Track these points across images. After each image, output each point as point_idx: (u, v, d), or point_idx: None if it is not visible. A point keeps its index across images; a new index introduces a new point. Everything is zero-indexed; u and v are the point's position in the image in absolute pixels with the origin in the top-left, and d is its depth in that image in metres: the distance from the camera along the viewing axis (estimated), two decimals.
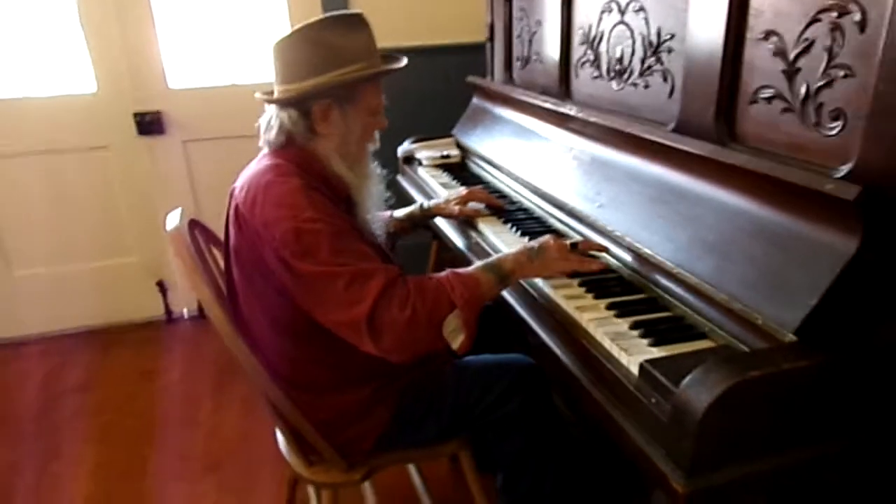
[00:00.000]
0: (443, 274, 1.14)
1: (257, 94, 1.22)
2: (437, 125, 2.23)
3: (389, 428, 1.28)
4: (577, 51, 1.59)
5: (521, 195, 1.63)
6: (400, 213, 1.59)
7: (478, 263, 1.18)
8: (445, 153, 2.03)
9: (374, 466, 1.31)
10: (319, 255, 1.07)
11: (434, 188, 1.84)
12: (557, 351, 1.07)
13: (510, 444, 1.31)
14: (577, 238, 1.20)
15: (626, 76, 1.40)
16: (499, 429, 1.34)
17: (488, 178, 1.85)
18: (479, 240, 1.47)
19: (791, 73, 0.97)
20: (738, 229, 0.97)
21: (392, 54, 1.32)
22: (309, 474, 1.29)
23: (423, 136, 2.15)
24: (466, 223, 1.57)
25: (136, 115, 2.51)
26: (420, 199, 1.86)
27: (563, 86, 1.65)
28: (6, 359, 2.63)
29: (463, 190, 1.62)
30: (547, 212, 1.48)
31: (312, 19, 1.16)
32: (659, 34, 1.27)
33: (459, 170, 1.97)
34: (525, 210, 1.57)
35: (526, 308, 1.20)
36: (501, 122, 1.86)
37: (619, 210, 1.23)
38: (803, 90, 0.95)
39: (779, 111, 1.01)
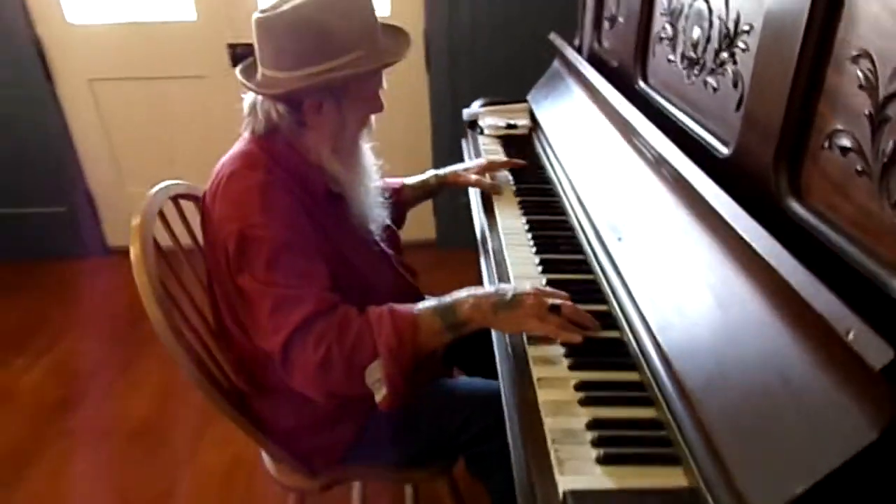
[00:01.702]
0: (379, 309, 0.98)
1: (238, 74, 1.08)
2: (527, 82, 1.95)
3: (354, 444, 1.18)
4: (658, 22, 1.25)
5: (567, 198, 1.36)
6: (412, 180, 1.47)
7: (431, 300, 1.00)
8: (512, 122, 1.78)
9: (337, 478, 1.23)
10: (255, 268, 0.97)
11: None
12: (507, 418, 0.88)
13: (494, 482, 1.17)
14: (561, 301, 0.96)
15: (697, 68, 1.07)
16: (480, 465, 1.20)
17: (546, 163, 1.59)
18: (491, 244, 1.26)
19: (877, 120, 0.65)
20: (747, 332, 0.69)
21: (394, 27, 1.11)
22: (275, 472, 1.25)
23: (495, 99, 1.90)
24: (489, 212, 1.39)
25: (229, 46, 2.50)
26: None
27: (637, 62, 1.33)
28: (118, 264, 2.89)
29: (483, 159, 1.51)
30: (581, 226, 1.22)
31: None
32: (737, 22, 0.93)
33: (522, 145, 1.71)
34: (564, 220, 1.31)
35: (499, 344, 1.01)
36: (569, 97, 1.57)
37: (637, 253, 0.97)
38: (888, 149, 0.63)
39: (853, 170, 0.69)
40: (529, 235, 1.25)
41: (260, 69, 1.06)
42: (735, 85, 0.94)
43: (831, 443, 0.55)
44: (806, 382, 0.60)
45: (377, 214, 1.18)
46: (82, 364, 2.26)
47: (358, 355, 0.94)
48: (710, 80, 1.02)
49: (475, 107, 1.90)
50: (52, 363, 2.27)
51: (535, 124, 1.77)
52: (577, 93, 1.52)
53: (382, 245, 1.24)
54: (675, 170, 0.92)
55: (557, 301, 0.95)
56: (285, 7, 0.98)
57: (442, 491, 1.26)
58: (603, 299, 1.04)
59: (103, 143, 2.75)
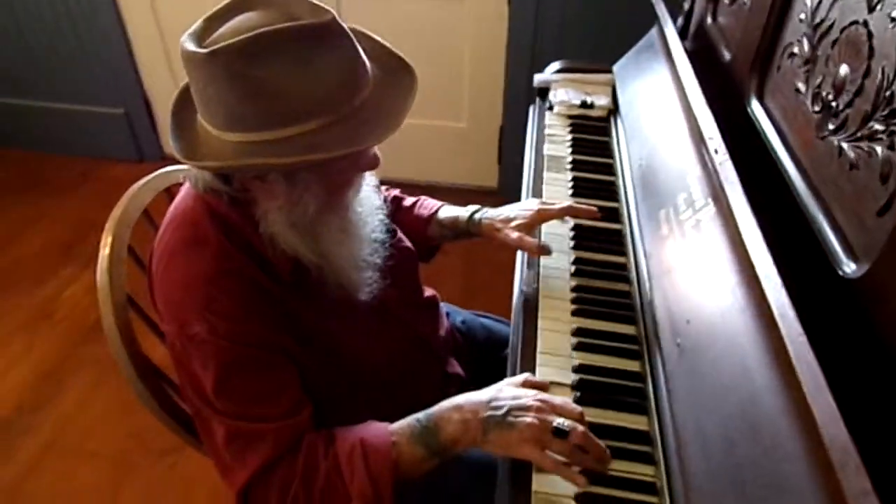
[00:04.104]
0: (350, 443, 0.80)
1: (172, 108, 0.81)
2: (625, 43, 1.60)
3: None
4: (792, 30, 0.92)
5: (632, 243, 1.09)
6: (446, 213, 1.15)
7: (410, 419, 0.81)
8: (588, 100, 1.48)
9: None
10: (203, 385, 0.79)
11: (546, 155, 1.35)
12: None
13: None
14: (570, 423, 0.75)
15: (833, 123, 0.77)
16: None
17: (617, 168, 1.31)
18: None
19: None
20: None
21: (394, 57, 0.81)
22: None
23: (576, 64, 1.59)
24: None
25: None
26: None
27: (755, 71, 1.01)
28: None
29: (531, 201, 1.10)
30: (641, 293, 0.97)
31: (245, 29, 0.68)
32: None
33: (596, 132, 1.42)
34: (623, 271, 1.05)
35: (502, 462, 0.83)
36: (658, 85, 1.25)
37: (692, 367, 0.74)
38: None
39: None
40: (573, 286, 1.02)
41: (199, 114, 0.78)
42: (884, 179, 0.65)
43: None
44: None
45: (370, 274, 0.89)
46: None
47: None
48: (849, 149, 0.73)
49: (549, 71, 1.59)
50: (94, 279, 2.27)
51: (616, 106, 1.47)
52: (667, 85, 1.21)
53: (383, 296, 0.94)
54: (757, 279, 0.67)
55: (566, 423, 0.74)
56: (216, 43, 0.68)
57: None
58: (644, 409, 0.83)
59: (159, 47, 2.60)
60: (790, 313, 0.60)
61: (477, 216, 1.11)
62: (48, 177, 2.77)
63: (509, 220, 1.07)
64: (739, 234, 0.75)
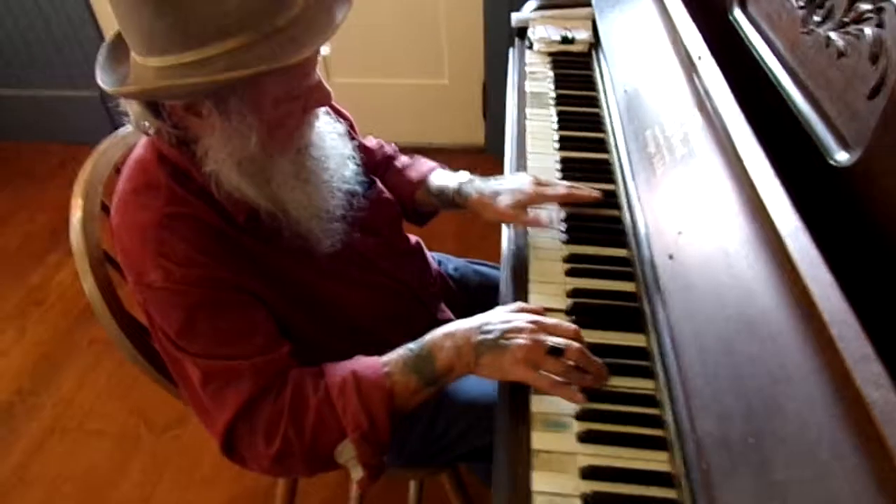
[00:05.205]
0: (341, 376, 0.77)
1: (105, 43, 0.78)
2: None
3: None
4: None
5: (618, 162, 1.07)
6: (437, 180, 1.07)
7: (402, 349, 0.79)
8: (569, 35, 1.43)
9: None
10: (169, 331, 0.77)
11: (528, 92, 1.32)
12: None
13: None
14: (565, 341, 0.73)
15: (820, 14, 0.74)
16: (482, 474, 1.06)
17: (603, 97, 1.27)
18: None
19: None
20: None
21: None
22: None
23: (555, 1, 1.54)
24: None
25: None
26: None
27: None
28: None
29: (524, 177, 0.99)
30: (633, 217, 0.94)
31: None
32: None
33: (579, 66, 1.39)
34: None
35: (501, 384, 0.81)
36: (637, 3, 1.21)
37: (685, 273, 0.72)
38: None
39: None
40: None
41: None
42: (874, 59, 0.63)
43: None
44: None
45: (335, 226, 0.85)
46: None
47: (321, 441, 0.75)
48: (836, 38, 0.70)
49: (527, 10, 1.55)
50: None
51: (597, 39, 1.43)
52: (647, 5, 1.17)
53: (359, 246, 0.92)
54: (749, 177, 0.64)
55: (560, 341, 0.73)
56: None
57: (445, 484, 1.14)
58: (641, 326, 0.81)
59: None
60: (784, 200, 0.58)
61: (465, 189, 1.02)
62: (27, 166, 2.72)
63: (498, 193, 0.97)
64: (728, 135, 0.73)
